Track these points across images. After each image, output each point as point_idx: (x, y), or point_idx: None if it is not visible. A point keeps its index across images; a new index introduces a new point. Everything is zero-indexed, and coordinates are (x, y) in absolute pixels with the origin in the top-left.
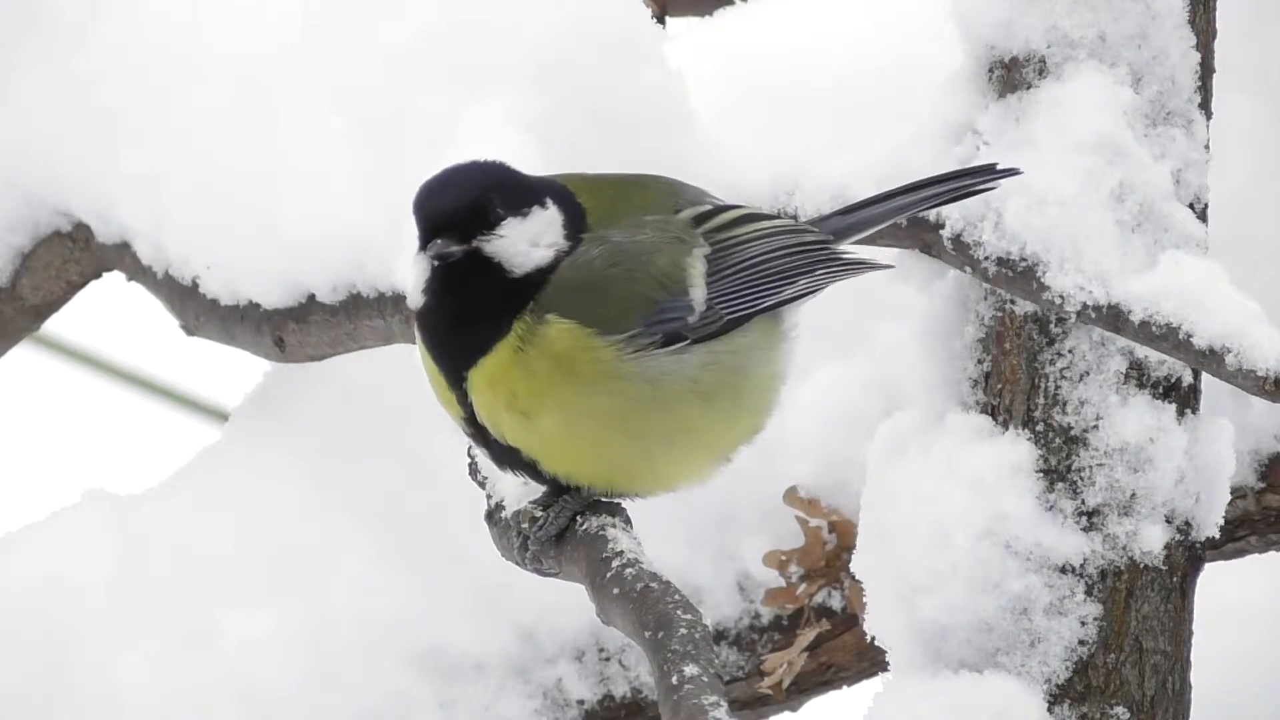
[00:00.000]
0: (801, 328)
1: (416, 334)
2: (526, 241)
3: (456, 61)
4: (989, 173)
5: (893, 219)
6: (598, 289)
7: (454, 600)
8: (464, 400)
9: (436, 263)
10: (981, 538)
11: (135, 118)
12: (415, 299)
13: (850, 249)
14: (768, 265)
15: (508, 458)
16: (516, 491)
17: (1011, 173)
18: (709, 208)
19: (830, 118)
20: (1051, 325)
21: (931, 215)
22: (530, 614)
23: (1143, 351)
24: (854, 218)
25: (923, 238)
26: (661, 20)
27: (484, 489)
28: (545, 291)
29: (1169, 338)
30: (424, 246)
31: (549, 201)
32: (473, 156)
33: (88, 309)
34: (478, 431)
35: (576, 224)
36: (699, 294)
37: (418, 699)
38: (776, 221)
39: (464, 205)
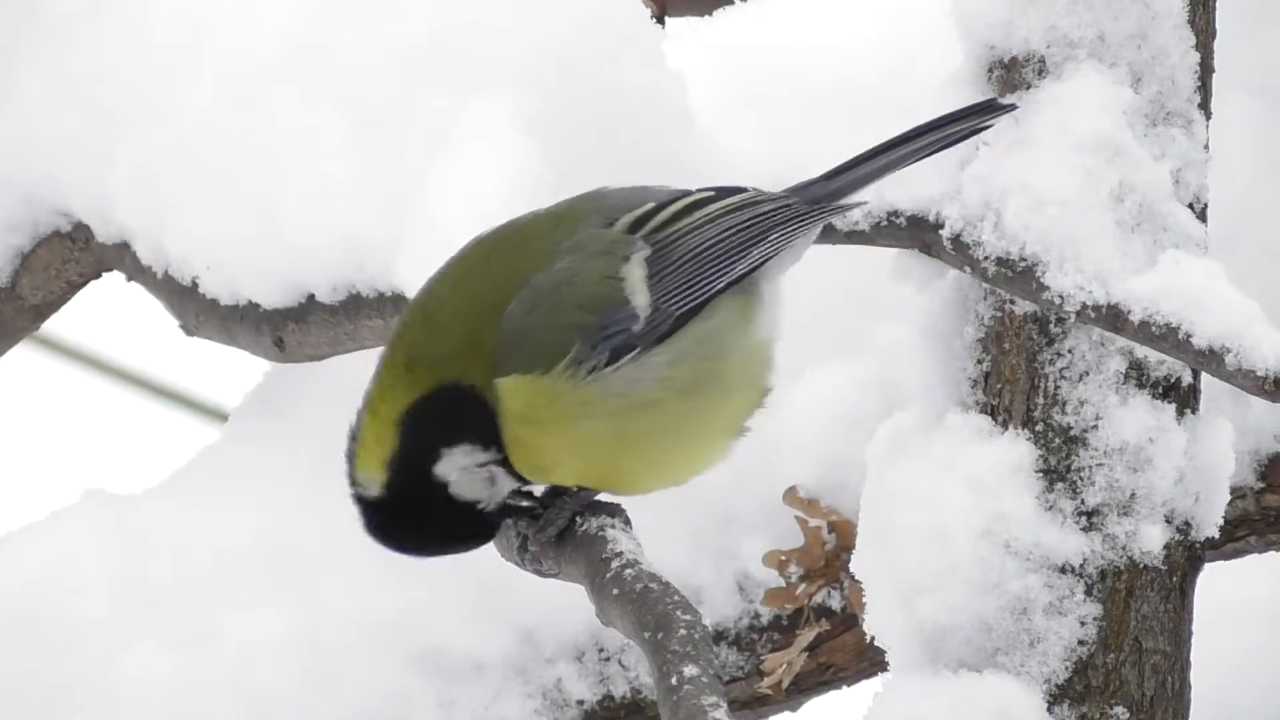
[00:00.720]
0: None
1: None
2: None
3: (456, 61)
4: (984, 111)
5: (883, 176)
6: (525, 339)
7: (454, 600)
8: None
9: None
10: (981, 538)
11: (135, 117)
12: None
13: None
14: (715, 247)
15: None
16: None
17: (1009, 108)
18: (650, 207)
19: (830, 117)
20: (1051, 325)
21: (931, 215)
22: (530, 614)
23: (1142, 351)
24: (839, 181)
25: (922, 238)
26: (661, 20)
27: None
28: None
29: (1169, 338)
30: None
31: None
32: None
33: (87, 309)
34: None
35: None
36: (641, 299)
37: (417, 699)
38: (729, 200)
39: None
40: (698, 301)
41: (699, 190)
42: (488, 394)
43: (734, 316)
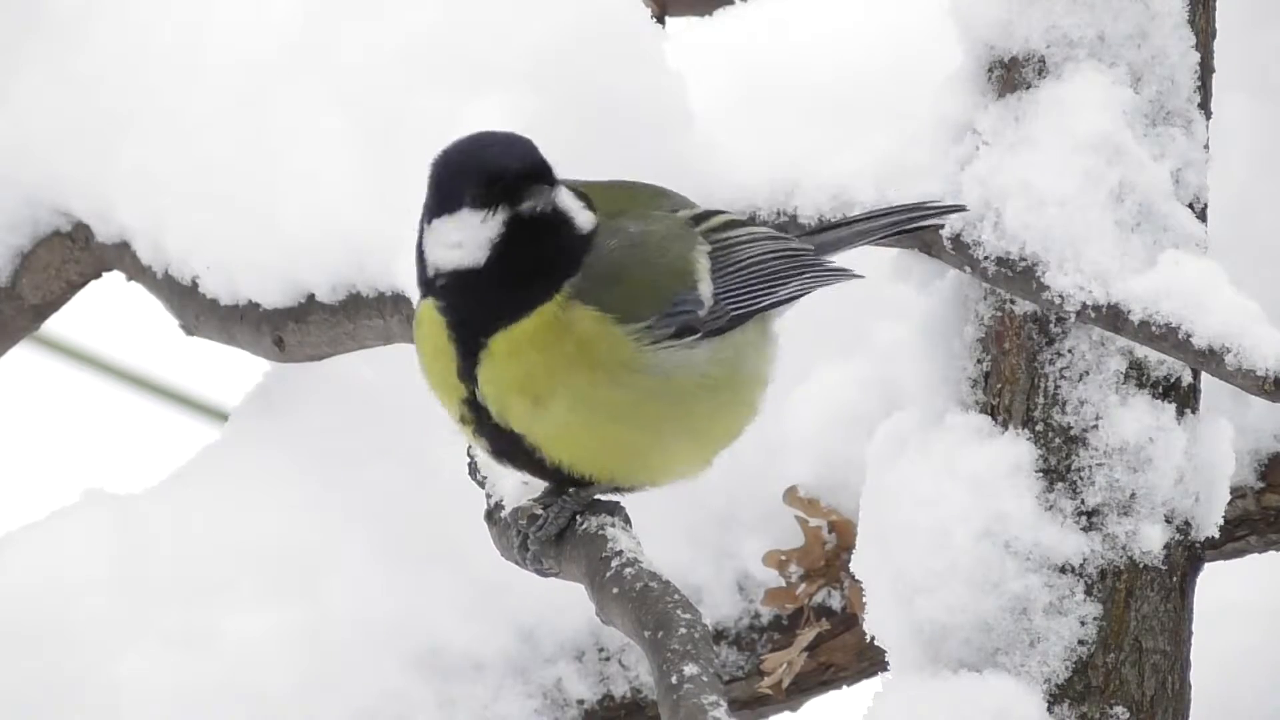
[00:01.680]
0: (784, 334)
1: (429, 306)
2: (576, 203)
3: (456, 61)
4: (941, 210)
5: (857, 244)
6: (619, 278)
7: (453, 600)
8: (469, 376)
9: (527, 215)
10: (981, 537)
11: (135, 118)
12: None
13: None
14: (764, 266)
15: (506, 446)
16: (516, 491)
17: (957, 209)
18: (701, 210)
19: (830, 118)
20: (1051, 325)
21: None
22: (530, 614)
23: (1142, 351)
24: (820, 239)
25: (922, 237)
26: (661, 20)
27: (484, 489)
28: (575, 276)
29: (1168, 337)
30: (488, 203)
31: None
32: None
33: (87, 309)
34: (477, 417)
35: (589, 207)
36: (706, 288)
37: (417, 699)
38: (759, 228)
39: (537, 161)
40: (747, 310)
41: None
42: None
43: (758, 339)
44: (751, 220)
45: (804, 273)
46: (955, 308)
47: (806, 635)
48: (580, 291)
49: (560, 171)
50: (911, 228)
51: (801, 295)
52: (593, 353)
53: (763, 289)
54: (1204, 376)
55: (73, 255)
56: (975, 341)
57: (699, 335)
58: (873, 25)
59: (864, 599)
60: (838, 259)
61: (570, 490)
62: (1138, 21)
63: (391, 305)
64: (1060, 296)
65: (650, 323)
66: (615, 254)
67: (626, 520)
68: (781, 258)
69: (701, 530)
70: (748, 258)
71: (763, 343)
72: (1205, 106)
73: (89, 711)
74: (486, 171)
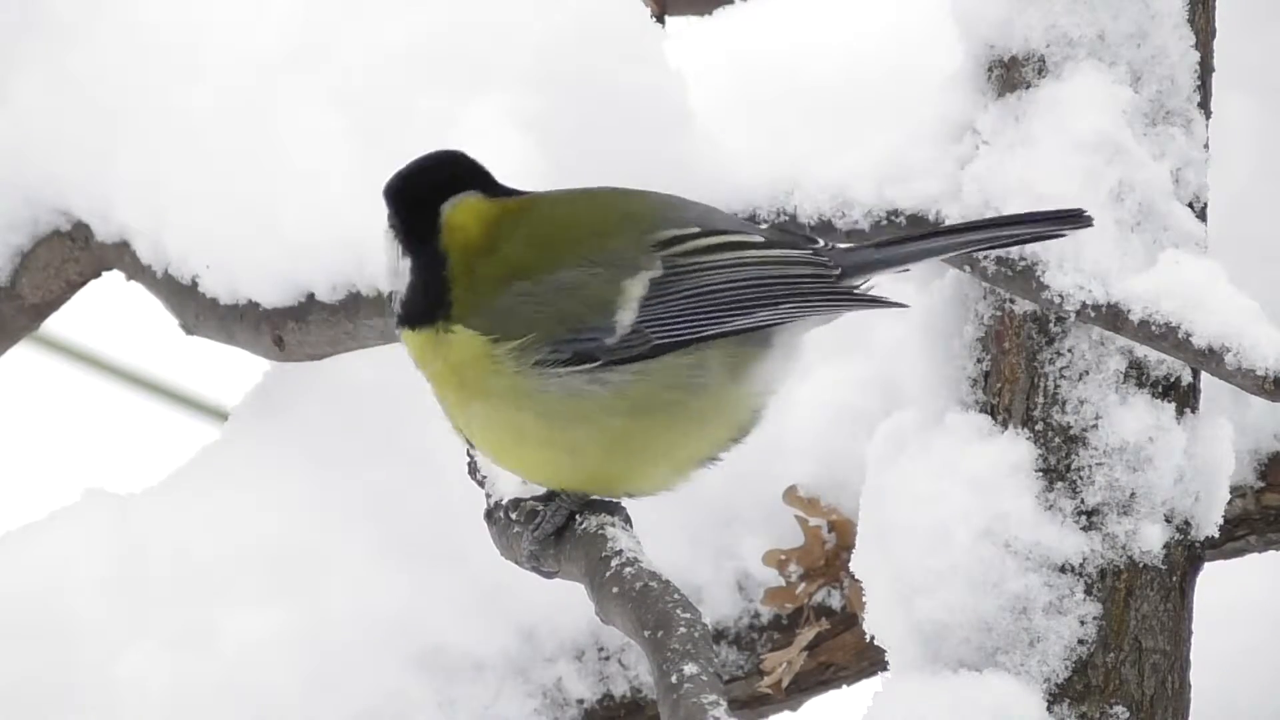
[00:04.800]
0: (806, 347)
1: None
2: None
3: (456, 61)
4: (1061, 220)
5: (929, 258)
6: (502, 314)
7: (454, 600)
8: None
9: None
10: (981, 537)
11: (135, 117)
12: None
13: (862, 281)
14: (722, 295)
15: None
16: (516, 491)
17: (1086, 223)
18: (690, 231)
19: (830, 118)
20: (1051, 324)
21: (931, 214)
22: (530, 613)
23: (1142, 351)
24: (885, 253)
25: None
26: (661, 20)
27: (484, 488)
28: (457, 309)
29: (1168, 337)
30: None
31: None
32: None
33: (87, 308)
34: None
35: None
36: (626, 317)
37: (417, 699)
38: (769, 252)
39: (421, 180)
40: (680, 339)
41: (763, 229)
42: (450, 310)
43: (722, 364)
44: (773, 243)
45: (782, 303)
46: (955, 307)
47: (806, 635)
48: (463, 319)
49: (568, 167)
50: (1015, 243)
51: (778, 323)
52: (473, 374)
53: (713, 318)
54: (1204, 376)
55: (72, 255)
56: (975, 341)
57: (599, 363)
58: (873, 25)
59: (864, 598)
60: (894, 273)
61: (566, 491)
62: (1138, 21)
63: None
64: (1060, 296)
65: (526, 342)
66: (511, 299)
67: (626, 520)
68: (758, 285)
69: (701, 530)
70: (704, 286)
71: (727, 369)
72: (1205, 106)
73: (88, 711)
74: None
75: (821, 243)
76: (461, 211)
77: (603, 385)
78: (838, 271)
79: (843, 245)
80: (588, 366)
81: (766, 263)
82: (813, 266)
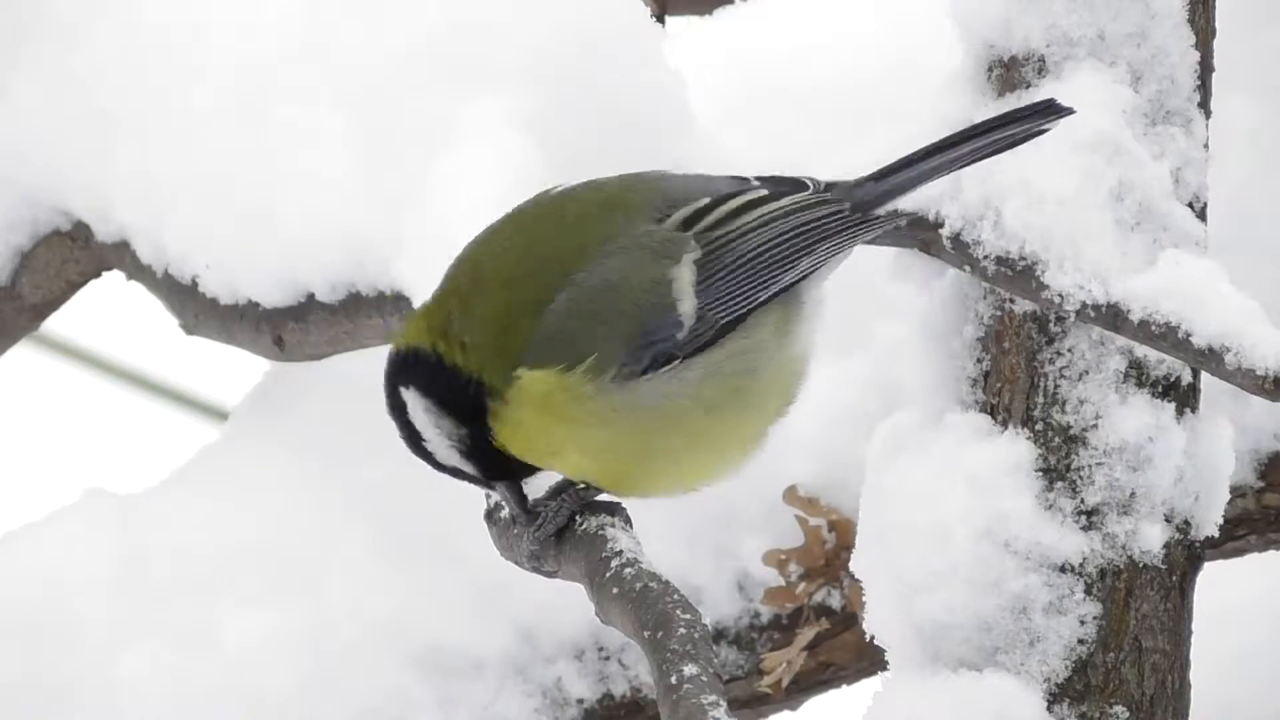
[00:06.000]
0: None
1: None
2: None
3: (456, 61)
4: (1042, 113)
5: (934, 178)
6: (562, 338)
7: (453, 599)
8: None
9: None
10: (981, 537)
11: (135, 117)
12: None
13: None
14: (767, 255)
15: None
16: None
17: (1067, 112)
18: (704, 203)
19: (830, 118)
20: (1051, 324)
21: (930, 214)
22: (530, 613)
23: (1142, 350)
24: (888, 182)
25: (922, 236)
26: (661, 20)
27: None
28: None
29: (1168, 337)
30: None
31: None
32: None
33: (87, 308)
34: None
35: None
36: (688, 306)
37: (417, 698)
38: (784, 202)
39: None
40: (742, 311)
41: (755, 182)
42: (490, 391)
43: (772, 332)
44: (779, 193)
45: (820, 244)
46: (955, 307)
47: (806, 634)
48: (528, 360)
49: (568, 168)
50: (1010, 145)
51: (818, 269)
52: (555, 405)
53: (764, 280)
54: (1204, 376)
55: (72, 254)
56: (975, 341)
57: (679, 360)
58: (873, 25)
59: (863, 598)
60: (902, 203)
61: (569, 490)
62: (1137, 20)
63: (391, 304)
64: (1060, 295)
65: (611, 361)
66: (559, 321)
67: (627, 520)
68: (792, 236)
69: (701, 530)
70: (746, 252)
71: (780, 330)
72: (1205, 106)
73: (89, 711)
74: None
75: (816, 182)
76: (406, 335)
77: (684, 384)
78: (846, 205)
79: (843, 182)
80: (670, 367)
81: (787, 213)
82: (827, 206)
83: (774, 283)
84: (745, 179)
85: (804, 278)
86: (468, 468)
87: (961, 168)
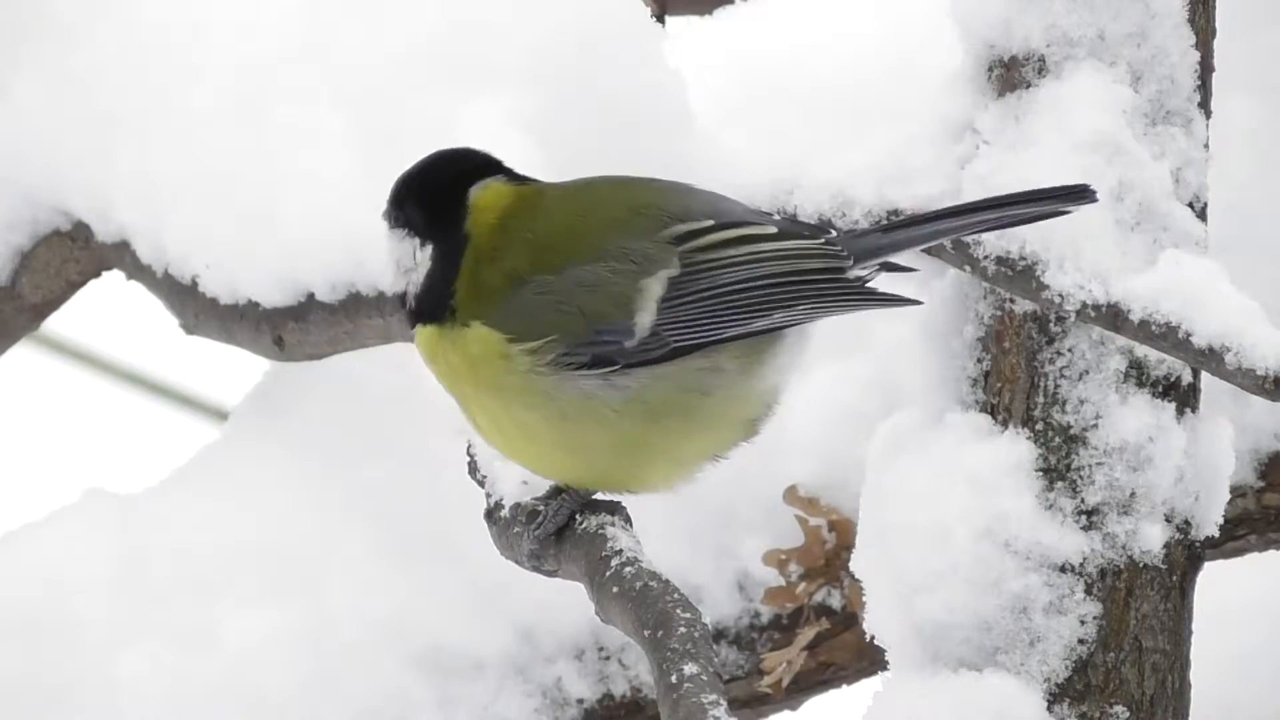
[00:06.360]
0: (814, 333)
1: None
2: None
3: (456, 61)
4: (1070, 197)
5: (937, 240)
6: (520, 310)
7: (453, 599)
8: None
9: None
10: (981, 537)
11: (135, 117)
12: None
13: (870, 273)
14: (741, 295)
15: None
16: (516, 490)
17: (1090, 199)
18: (705, 225)
19: (830, 118)
20: (1051, 324)
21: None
22: (530, 613)
23: (1142, 350)
24: (892, 237)
25: None
26: (661, 20)
27: (483, 488)
28: (466, 302)
29: (1168, 336)
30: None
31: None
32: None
33: (87, 308)
34: None
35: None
36: (645, 319)
37: (417, 698)
38: (780, 245)
39: (430, 175)
40: (699, 342)
41: (775, 217)
42: (457, 310)
43: (736, 362)
44: (784, 234)
45: (799, 303)
46: (955, 307)
47: (806, 634)
48: (480, 316)
49: (568, 168)
50: (1022, 221)
51: (790, 325)
52: (489, 372)
53: (730, 318)
54: (1204, 376)
55: (72, 254)
56: (975, 341)
57: (618, 366)
58: (873, 25)
59: (864, 598)
60: (901, 259)
61: (569, 490)
62: (1137, 20)
63: (391, 304)
64: (1060, 295)
65: (553, 349)
66: (529, 296)
67: (627, 519)
68: (775, 284)
69: (701, 530)
70: (721, 285)
71: (742, 368)
72: (1205, 106)
73: (88, 711)
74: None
75: (831, 232)
76: (489, 194)
77: (617, 390)
78: (850, 260)
79: (849, 231)
80: (604, 370)
81: (781, 257)
82: (825, 259)
83: (743, 325)
84: (767, 214)
85: (776, 329)
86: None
87: (972, 234)
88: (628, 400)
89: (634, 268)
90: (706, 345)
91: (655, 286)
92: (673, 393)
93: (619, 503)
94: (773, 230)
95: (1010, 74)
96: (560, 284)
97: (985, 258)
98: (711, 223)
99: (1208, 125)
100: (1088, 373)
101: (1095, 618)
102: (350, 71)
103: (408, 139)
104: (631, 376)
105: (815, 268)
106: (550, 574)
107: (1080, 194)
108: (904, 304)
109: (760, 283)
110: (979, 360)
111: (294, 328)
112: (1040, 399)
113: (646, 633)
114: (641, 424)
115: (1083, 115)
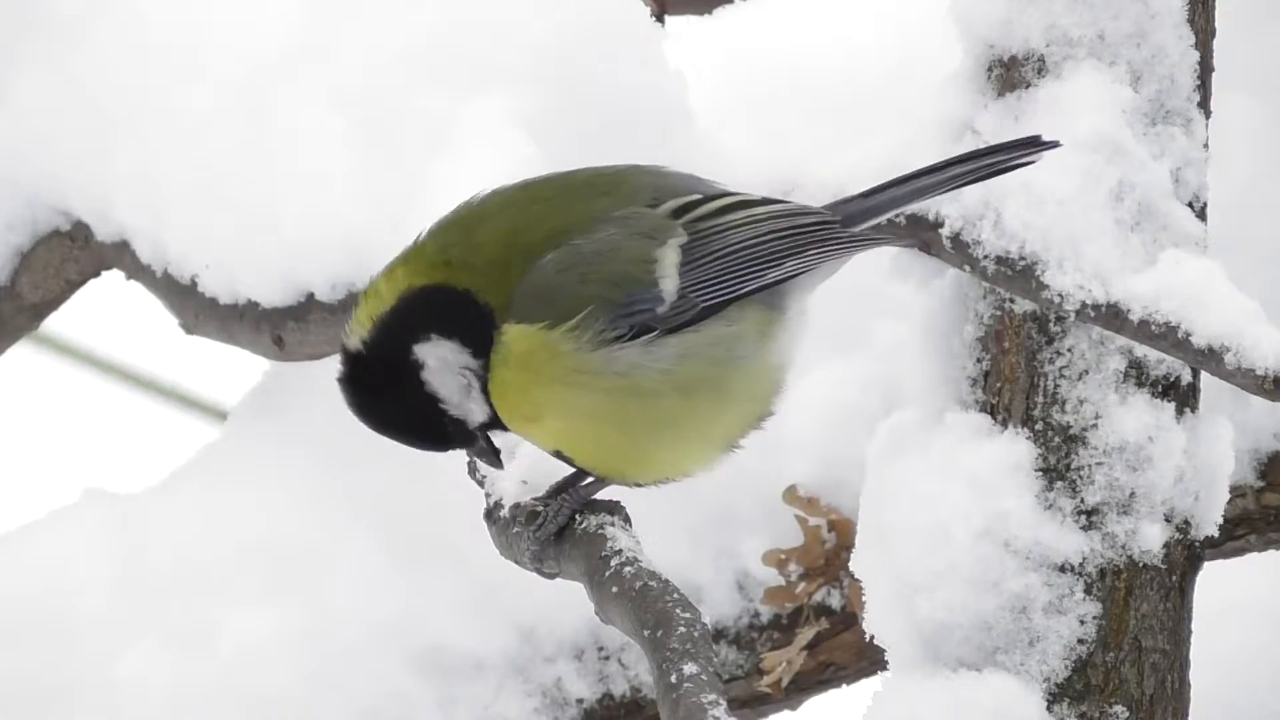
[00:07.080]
0: (811, 312)
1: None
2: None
3: (456, 61)
4: (1027, 146)
5: (919, 199)
6: (546, 294)
7: (453, 599)
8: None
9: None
10: (980, 536)
11: (134, 117)
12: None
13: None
14: (750, 250)
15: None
16: (516, 491)
17: (1052, 145)
18: (695, 198)
19: (830, 118)
20: (1051, 324)
21: (930, 213)
22: (529, 613)
23: (1142, 350)
24: (874, 200)
25: (922, 236)
26: (661, 19)
27: (483, 488)
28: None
29: (1168, 336)
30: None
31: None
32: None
33: (87, 308)
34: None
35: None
36: (670, 284)
37: (418, 698)
38: (772, 207)
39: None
40: (725, 298)
41: (743, 193)
42: (497, 321)
43: (754, 329)
44: (768, 200)
45: (807, 249)
46: (955, 307)
47: (806, 634)
48: (511, 316)
49: (568, 167)
50: (993, 174)
51: (803, 273)
52: (536, 363)
53: (746, 273)
54: (1204, 375)
55: (72, 254)
56: (975, 340)
57: (657, 333)
58: (873, 25)
59: (863, 598)
60: (884, 220)
61: (569, 489)
62: (1137, 20)
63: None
64: (1060, 295)
65: (583, 320)
66: (546, 273)
67: (626, 519)
68: (779, 237)
69: (701, 529)
70: (730, 244)
71: (762, 330)
72: (1205, 106)
73: (89, 711)
74: None
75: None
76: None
77: (655, 358)
78: (839, 220)
79: (832, 201)
80: (646, 338)
81: (778, 216)
82: (816, 216)
83: (759, 277)
84: (733, 191)
85: (791, 277)
86: (478, 411)
87: (946, 191)
88: (667, 369)
89: (641, 235)
90: (732, 301)
91: (670, 254)
92: (703, 363)
93: (618, 502)
94: (759, 197)
95: (1010, 74)
96: (572, 254)
97: (985, 257)
98: (699, 196)
99: (1207, 125)
100: (1087, 372)
101: (1095, 617)
102: (350, 71)
103: (408, 139)
104: (666, 344)
105: (810, 222)
106: (551, 576)
107: (1038, 143)
108: (898, 244)
109: (768, 237)
110: (979, 360)
111: (294, 328)
112: (1040, 399)
113: (646, 632)
114: (680, 396)
115: (1082, 115)
